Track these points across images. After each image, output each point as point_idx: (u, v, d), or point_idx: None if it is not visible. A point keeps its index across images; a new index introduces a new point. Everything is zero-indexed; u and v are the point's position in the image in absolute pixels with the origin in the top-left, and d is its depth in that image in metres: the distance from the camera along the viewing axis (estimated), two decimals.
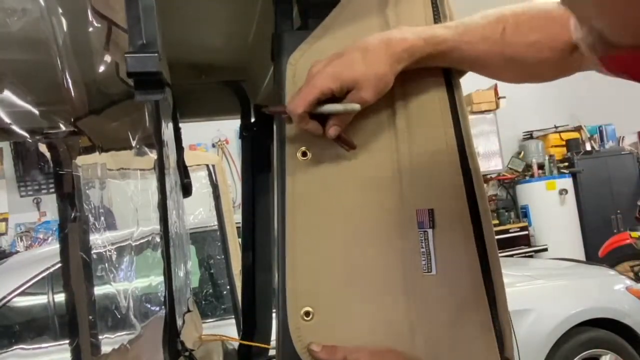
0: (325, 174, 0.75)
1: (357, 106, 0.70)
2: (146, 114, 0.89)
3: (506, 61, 0.74)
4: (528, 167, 7.36)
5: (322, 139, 0.74)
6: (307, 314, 0.71)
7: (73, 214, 0.83)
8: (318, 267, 0.73)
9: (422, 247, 0.72)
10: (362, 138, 0.75)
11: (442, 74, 0.77)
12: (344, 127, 0.73)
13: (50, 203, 6.03)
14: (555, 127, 7.68)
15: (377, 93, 0.71)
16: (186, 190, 1.53)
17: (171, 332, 0.98)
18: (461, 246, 0.72)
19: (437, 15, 0.78)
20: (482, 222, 0.73)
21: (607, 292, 3.47)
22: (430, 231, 0.72)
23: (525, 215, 7.17)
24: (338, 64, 0.70)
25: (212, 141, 6.82)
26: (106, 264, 0.87)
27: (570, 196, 6.95)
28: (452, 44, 0.73)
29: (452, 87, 0.77)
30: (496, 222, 6.82)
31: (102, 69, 0.75)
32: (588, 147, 7.58)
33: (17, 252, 5.53)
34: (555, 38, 0.70)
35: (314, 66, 0.72)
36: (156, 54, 0.60)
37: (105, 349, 0.88)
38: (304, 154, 0.75)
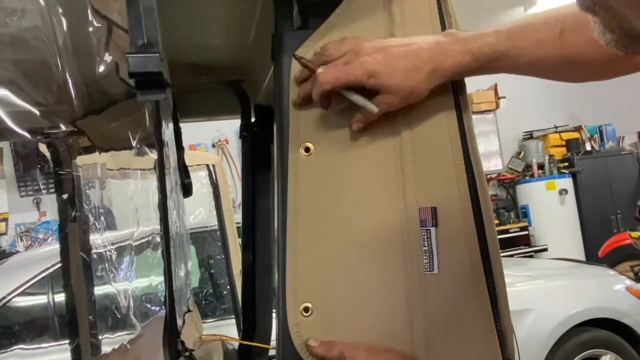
0: (328, 170, 0.75)
1: (376, 109, 0.70)
2: (146, 114, 0.89)
3: (566, 63, 0.70)
4: (528, 167, 7.37)
5: (326, 134, 0.74)
6: (306, 309, 0.71)
7: (73, 214, 0.83)
8: (318, 263, 0.73)
9: (425, 246, 0.71)
10: (365, 136, 0.75)
11: None
12: (365, 124, 0.73)
13: (50, 203, 6.03)
14: (555, 127, 7.68)
15: (405, 103, 0.71)
16: (186, 190, 1.53)
17: (171, 332, 0.98)
18: (464, 245, 0.72)
19: (441, 12, 0.78)
20: (484, 222, 0.73)
21: (607, 292, 3.47)
22: (433, 230, 0.72)
23: (525, 215, 7.17)
24: (381, 63, 0.69)
25: (212, 141, 6.82)
26: (106, 264, 0.87)
27: (570, 196, 6.95)
28: (503, 52, 0.70)
29: (456, 86, 0.77)
30: (496, 222, 6.81)
31: (102, 69, 0.75)
32: (588, 147, 7.58)
33: (17, 252, 5.53)
34: None
35: (351, 39, 0.72)
36: (157, 54, 0.60)
37: (105, 349, 0.88)
38: (307, 150, 0.75)
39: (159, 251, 0.99)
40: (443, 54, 0.69)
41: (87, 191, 0.84)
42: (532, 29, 0.70)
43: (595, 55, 0.69)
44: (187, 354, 1.05)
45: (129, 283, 0.94)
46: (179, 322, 1.11)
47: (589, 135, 7.70)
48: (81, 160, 0.81)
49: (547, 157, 7.23)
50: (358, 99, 0.71)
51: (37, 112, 0.68)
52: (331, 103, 0.74)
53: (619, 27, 0.35)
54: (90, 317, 0.86)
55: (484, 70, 0.72)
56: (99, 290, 0.88)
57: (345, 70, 0.69)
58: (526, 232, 6.92)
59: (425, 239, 0.71)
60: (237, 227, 2.72)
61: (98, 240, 0.86)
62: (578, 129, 7.72)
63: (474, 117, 0.76)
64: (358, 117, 0.72)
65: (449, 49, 0.70)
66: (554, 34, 0.69)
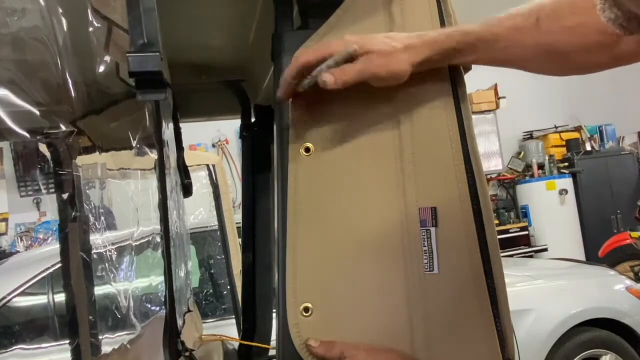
0: (328, 170, 0.75)
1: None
2: (146, 113, 0.89)
3: (543, 52, 0.70)
4: (528, 167, 7.37)
5: (326, 134, 0.74)
6: (306, 309, 0.71)
7: (73, 214, 0.83)
8: (318, 263, 0.73)
9: (425, 246, 0.71)
10: (365, 136, 0.75)
11: (447, 72, 0.77)
12: (347, 79, 0.69)
13: (50, 203, 6.03)
14: (555, 127, 7.68)
15: (387, 69, 0.70)
16: (186, 190, 1.53)
17: (171, 332, 0.98)
18: (464, 245, 0.72)
19: (441, 12, 0.78)
20: (484, 222, 0.73)
21: (607, 292, 3.47)
22: (432, 229, 0.72)
23: (525, 215, 7.18)
24: (359, 37, 0.70)
25: (212, 141, 6.83)
26: (106, 264, 0.87)
27: (570, 196, 6.95)
28: (478, 35, 0.70)
29: (456, 86, 0.77)
30: (496, 222, 6.82)
31: (102, 68, 0.75)
32: (588, 147, 7.58)
33: (17, 252, 5.53)
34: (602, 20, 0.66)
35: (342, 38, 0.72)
36: (157, 54, 0.60)
37: (105, 349, 0.88)
38: (307, 150, 0.75)
39: (159, 251, 0.99)
40: (418, 36, 0.71)
41: (87, 191, 0.84)
42: (508, 17, 0.71)
43: (571, 44, 0.68)
44: (187, 354, 1.05)
45: (129, 283, 0.94)
46: (179, 322, 1.11)
47: (589, 135, 7.70)
48: (81, 160, 0.81)
49: (547, 157, 7.23)
50: (332, 59, 0.69)
51: (37, 112, 0.68)
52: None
53: (617, 6, 0.35)
54: (90, 317, 0.86)
55: (463, 53, 0.72)
56: (99, 290, 0.88)
57: (323, 45, 0.71)
58: (526, 232, 6.92)
59: (425, 239, 0.71)
60: (237, 227, 2.72)
61: (98, 240, 0.86)
62: (578, 129, 7.72)
63: (474, 117, 0.76)
64: (333, 71, 0.70)
65: (425, 33, 0.72)
66: (530, 21, 0.69)
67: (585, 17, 0.65)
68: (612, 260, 5.49)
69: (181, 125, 1.50)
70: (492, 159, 7.11)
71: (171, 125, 1.29)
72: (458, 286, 0.71)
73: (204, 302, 3.31)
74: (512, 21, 0.70)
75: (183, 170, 1.51)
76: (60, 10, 0.68)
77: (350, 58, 0.69)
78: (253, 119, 1.55)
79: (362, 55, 0.69)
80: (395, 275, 0.72)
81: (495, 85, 6.93)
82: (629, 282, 3.55)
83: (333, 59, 0.69)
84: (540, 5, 0.69)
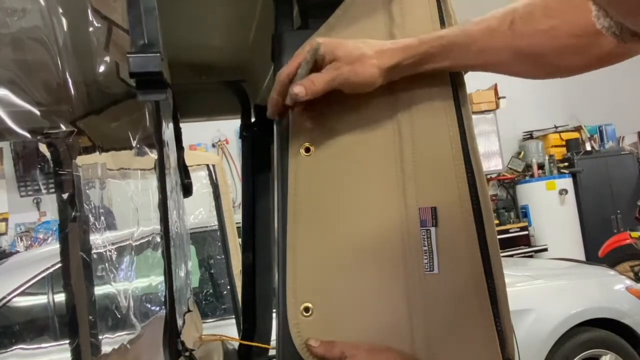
0: (328, 170, 0.75)
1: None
2: (146, 113, 0.89)
3: (518, 54, 0.70)
4: (528, 167, 7.37)
5: (326, 134, 0.74)
6: (306, 309, 0.71)
7: (73, 214, 0.83)
8: (318, 263, 0.73)
9: (425, 246, 0.71)
10: (365, 136, 0.75)
11: (447, 72, 0.77)
12: (317, 89, 0.70)
13: (50, 203, 6.03)
14: (555, 127, 7.68)
15: (356, 75, 0.70)
16: (187, 190, 1.53)
17: (171, 332, 0.98)
18: (464, 245, 0.72)
19: (441, 12, 0.78)
20: (484, 222, 0.73)
21: (607, 292, 3.47)
22: (433, 229, 0.72)
23: (525, 215, 7.18)
24: (329, 40, 0.71)
25: (212, 141, 6.83)
26: (106, 264, 0.87)
27: (570, 196, 6.95)
28: (452, 39, 0.70)
29: (456, 86, 0.77)
30: (496, 222, 6.82)
31: (102, 69, 0.75)
32: (588, 147, 7.58)
33: (17, 252, 5.53)
34: (575, 23, 0.63)
35: (311, 40, 0.73)
36: (158, 54, 0.60)
37: (105, 349, 0.88)
38: (307, 150, 0.75)
39: (159, 251, 0.99)
40: (392, 42, 0.71)
41: (87, 191, 0.84)
42: (483, 20, 0.71)
43: (545, 47, 0.68)
44: (187, 354, 1.05)
45: (129, 283, 0.94)
46: (179, 322, 1.11)
47: (589, 135, 7.70)
48: (81, 160, 0.81)
49: (547, 157, 7.23)
50: (303, 65, 0.70)
51: (37, 112, 0.68)
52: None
53: (610, 16, 0.35)
54: (90, 317, 0.86)
55: (437, 57, 0.71)
56: (99, 290, 0.88)
57: (298, 54, 0.71)
58: (526, 232, 6.92)
59: (426, 239, 0.71)
60: (237, 227, 2.72)
61: (98, 240, 0.86)
62: (578, 129, 7.72)
63: (474, 117, 0.76)
64: (303, 82, 0.70)
65: (399, 40, 0.72)
66: (504, 24, 0.69)
67: (558, 20, 0.65)
68: (612, 260, 5.49)
69: (181, 125, 1.50)
70: (492, 159, 7.11)
71: (171, 125, 1.29)
72: (458, 286, 0.71)
73: (204, 302, 3.31)
74: (486, 24, 0.70)
75: (183, 170, 1.51)
76: (61, 11, 0.68)
77: (320, 64, 0.69)
78: (253, 119, 1.55)
79: (331, 62, 0.69)
80: (396, 275, 0.72)
81: (495, 85, 6.93)
82: (629, 282, 3.55)
83: (304, 61, 0.69)
84: (515, 8, 0.69)
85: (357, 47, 0.70)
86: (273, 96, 0.74)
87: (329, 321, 0.71)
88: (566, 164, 7.24)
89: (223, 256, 2.92)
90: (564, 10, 0.65)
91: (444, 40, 0.70)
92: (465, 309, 0.71)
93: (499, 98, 7.03)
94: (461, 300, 0.71)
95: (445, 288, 0.71)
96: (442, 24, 0.77)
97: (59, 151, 0.79)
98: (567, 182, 6.99)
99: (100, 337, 0.87)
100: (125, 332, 0.92)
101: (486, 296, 0.71)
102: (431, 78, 0.76)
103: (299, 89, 0.69)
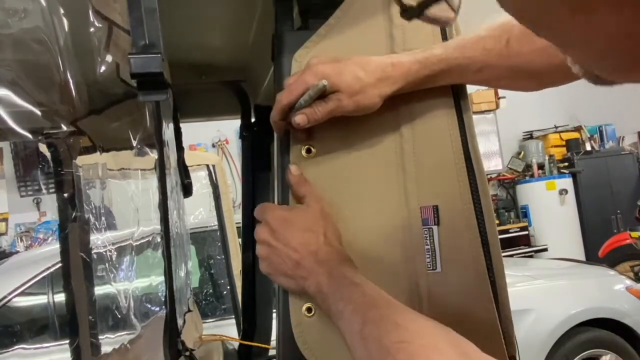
0: (329, 170, 0.75)
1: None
2: (147, 114, 0.89)
3: (515, 72, 0.72)
4: (528, 167, 7.37)
5: (327, 135, 0.74)
6: (308, 310, 0.71)
7: (73, 214, 0.83)
8: None
9: (427, 244, 0.72)
10: (366, 136, 0.75)
11: None
12: (318, 118, 0.71)
13: (50, 203, 6.03)
14: (555, 127, 7.69)
15: (357, 106, 0.71)
16: (187, 190, 1.53)
17: (172, 332, 0.98)
18: (466, 243, 0.72)
19: None
20: (485, 221, 0.73)
21: (607, 292, 3.47)
22: (434, 228, 0.72)
23: (525, 215, 7.18)
24: (330, 67, 0.70)
25: (212, 141, 6.83)
26: (106, 264, 0.88)
27: (570, 196, 6.96)
28: (452, 62, 0.71)
29: (456, 87, 0.77)
30: (496, 222, 6.80)
31: (103, 69, 0.75)
32: (588, 147, 7.58)
33: (17, 252, 5.53)
34: None
35: (312, 59, 0.73)
36: (159, 55, 0.61)
37: (106, 349, 0.88)
38: (309, 151, 0.75)
39: (159, 251, 0.99)
40: (391, 64, 0.71)
41: (88, 191, 0.85)
42: (479, 39, 0.72)
43: (541, 65, 0.70)
44: (187, 353, 1.05)
45: (129, 283, 0.94)
46: (179, 322, 1.11)
47: (589, 135, 7.70)
48: (82, 160, 0.82)
49: (547, 157, 7.23)
50: (307, 94, 0.70)
51: (38, 112, 0.68)
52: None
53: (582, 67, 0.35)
54: (91, 317, 0.86)
55: (437, 79, 0.73)
56: (99, 290, 0.88)
57: (299, 79, 0.71)
58: (526, 232, 6.92)
59: (428, 238, 0.72)
60: (237, 227, 2.72)
61: (98, 240, 0.86)
62: (578, 129, 7.72)
63: (474, 117, 0.77)
64: (305, 111, 0.72)
65: (397, 60, 0.72)
66: (500, 44, 0.70)
67: None
68: (612, 260, 5.50)
69: (181, 125, 1.50)
70: (492, 159, 7.12)
71: (171, 125, 1.29)
72: (461, 284, 0.71)
73: (204, 302, 3.31)
74: (482, 44, 0.71)
75: (183, 170, 1.51)
76: (62, 11, 0.68)
77: (323, 92, 0.70)
78: (253, 119, 1.55)
79: (333, 93, 0.70)
80: (398, 273, 0.72)
81: None
82: (629, 282, 3.55)
83: (308, 94, 0.70)
84: (510, 26, 0.70)
85: (358, 78, 0.70)
86: (274, 119, 0.75)
87: (331, 321, 0.71)
88: (566, 164, 7.25)
89: (223, 256, 2.92)
90: None
91: (443, 63, 0.72)
92: (469, 307, 0.71)
93: (499, 98, 7.04)
94: (465, 297, 0.71)
95: (448, 286, 0.71)
96: None
97: (60, 151, 0.79)
98: (567, 182, 6.99)
99: (100, 337, 0.87)
100: (125, 332, 0.92)
101: (489, 294, 0.71)
102: None
103: (300, 119, 0.71)
